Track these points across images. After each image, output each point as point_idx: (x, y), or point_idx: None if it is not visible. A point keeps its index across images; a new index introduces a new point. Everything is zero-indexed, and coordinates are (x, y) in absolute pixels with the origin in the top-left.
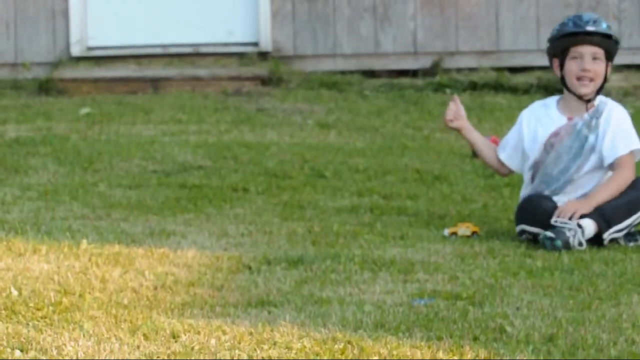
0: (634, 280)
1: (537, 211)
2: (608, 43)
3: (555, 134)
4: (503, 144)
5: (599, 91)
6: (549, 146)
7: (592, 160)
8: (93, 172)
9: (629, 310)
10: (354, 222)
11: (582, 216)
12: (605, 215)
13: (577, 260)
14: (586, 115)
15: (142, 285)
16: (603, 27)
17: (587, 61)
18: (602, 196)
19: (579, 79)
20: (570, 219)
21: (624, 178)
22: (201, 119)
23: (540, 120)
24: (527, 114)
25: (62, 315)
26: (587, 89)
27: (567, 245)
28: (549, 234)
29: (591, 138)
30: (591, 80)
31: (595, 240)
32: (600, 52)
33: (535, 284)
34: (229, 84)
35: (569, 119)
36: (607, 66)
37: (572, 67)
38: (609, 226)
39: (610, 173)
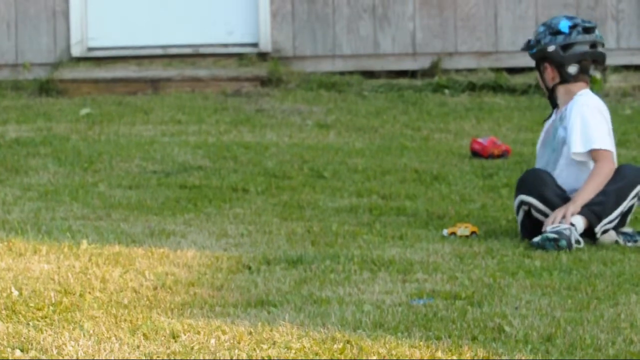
0: (632, 281)
1: (536, 182)
2: (535, 55)
3: (546, 131)
4: None
5: (551, 93)
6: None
7: (565, 152)
8: (93, 173)
9: (627, 310)
10: (353, 222)
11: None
12: (594, 209)
13: (575, 260)
14: (562, 110)
15: (142, 285)
16: (530, 41)
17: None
18: (586, 193)
19: None
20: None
21: (605, 171)
22: (201, 119)
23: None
24: None
25: (62, 315)
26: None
27: (570, 245)
28: (552, 235)
29: (560, 130)
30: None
31: (587, 234)
32: (537, 63)
33: (534, 283)
34: (228, 84)
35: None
36: (544, 70)
37: None
38: (600, 219)
39: (590, 166)
